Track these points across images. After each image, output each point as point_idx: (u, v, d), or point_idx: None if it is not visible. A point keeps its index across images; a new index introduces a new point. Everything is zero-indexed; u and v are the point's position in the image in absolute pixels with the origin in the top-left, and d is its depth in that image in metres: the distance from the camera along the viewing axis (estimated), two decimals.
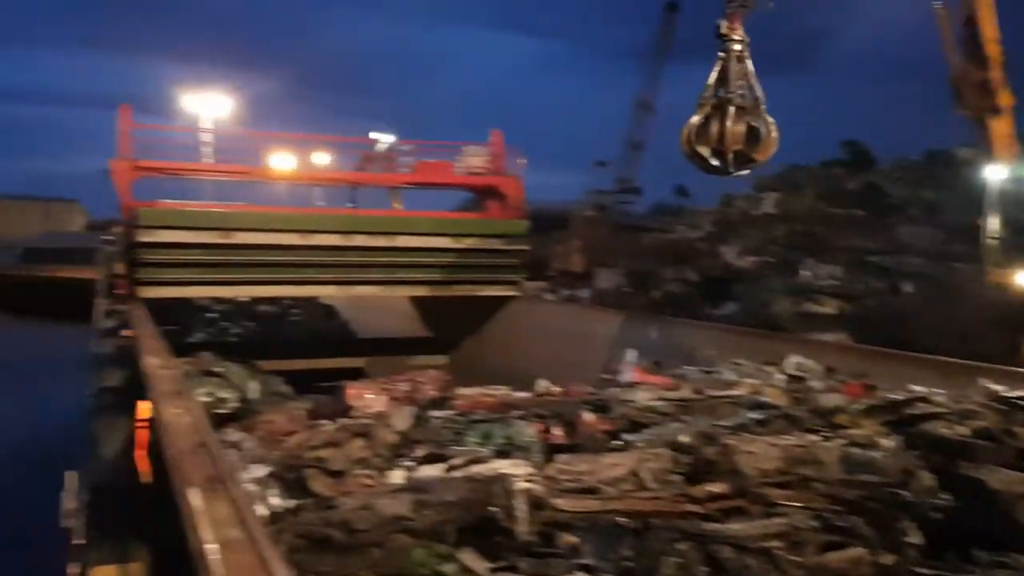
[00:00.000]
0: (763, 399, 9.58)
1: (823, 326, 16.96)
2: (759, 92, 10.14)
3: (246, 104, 33.09)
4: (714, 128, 10.10)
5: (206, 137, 25.22)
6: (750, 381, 10.69)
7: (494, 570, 5.35)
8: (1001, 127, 21.01)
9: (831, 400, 9.34)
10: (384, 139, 26.15)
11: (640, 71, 43.84)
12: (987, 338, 15.44)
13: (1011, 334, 15.85)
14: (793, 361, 11.57)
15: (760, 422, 8.46)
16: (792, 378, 10.99)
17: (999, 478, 6.62)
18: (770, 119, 10.15)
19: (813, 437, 7.68)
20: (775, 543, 5.79)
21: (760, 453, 7.03)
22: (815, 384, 10.58)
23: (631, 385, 10.97)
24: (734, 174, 10.50)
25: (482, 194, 25.45)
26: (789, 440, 7.45)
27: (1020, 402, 8.38)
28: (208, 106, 33.04)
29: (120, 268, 21.73)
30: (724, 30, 10.04)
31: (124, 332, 15.21)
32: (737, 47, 10.07)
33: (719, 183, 29.30)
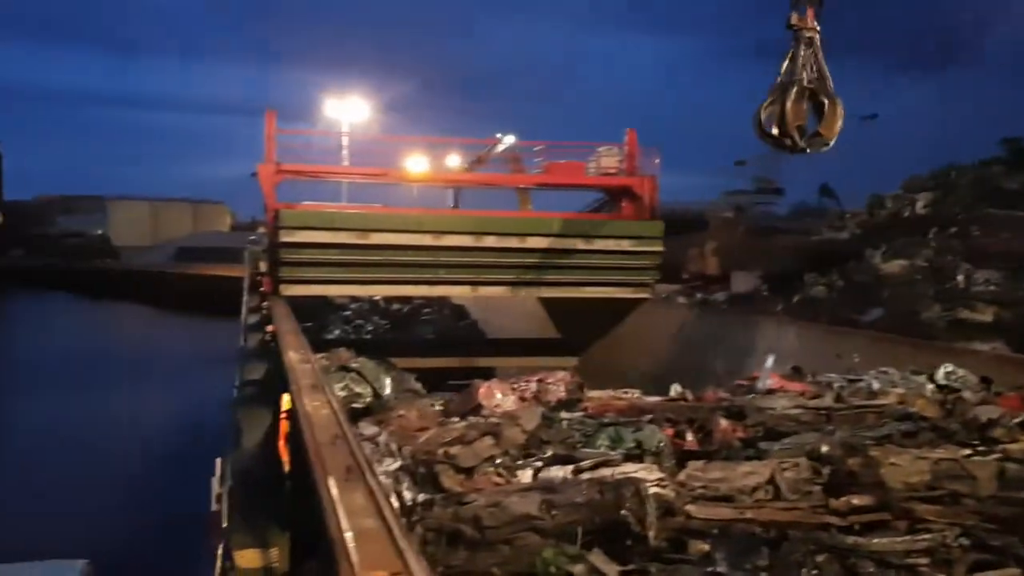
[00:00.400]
0: (911, 410, 9.12)
1: (978, 334, 15.95)
2: (826, 73, 10.92)
3: (380, 108, 34.09)
4: (777, 108, 10.87)
5: (345, 141, 26.14)
6: (897, 391, 10.19)
7: (623, 573, 5.27)
8: None
9: (986, 412, 8.77)
10: (506, 140, 26.34)
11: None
12: None
13: None
14: (944, 371, 10.94)
15: (907, 434, 8.04)
16: (943, 388, 10.40)
17: None
18: (837, 98, 10.94)
19: (965, 451, 7.25)
20: (921, 560, 5.49)
21: (907, 466, 6.68)
22: (968, 395, 9.97)
23: (769, 392, 10.61)
24: (808, 151, 11.21)
25: (615, 195, 25.25)
26: (939, 453, 7.05)
27: None
28: (347, 111, 34.30)
29: (264, 267, 22.79)
30: (795, 22, 10.92)
31: (267, 328, 15.89)
32: (807, 34, 10.93)
33: (867, 184, 28.24)
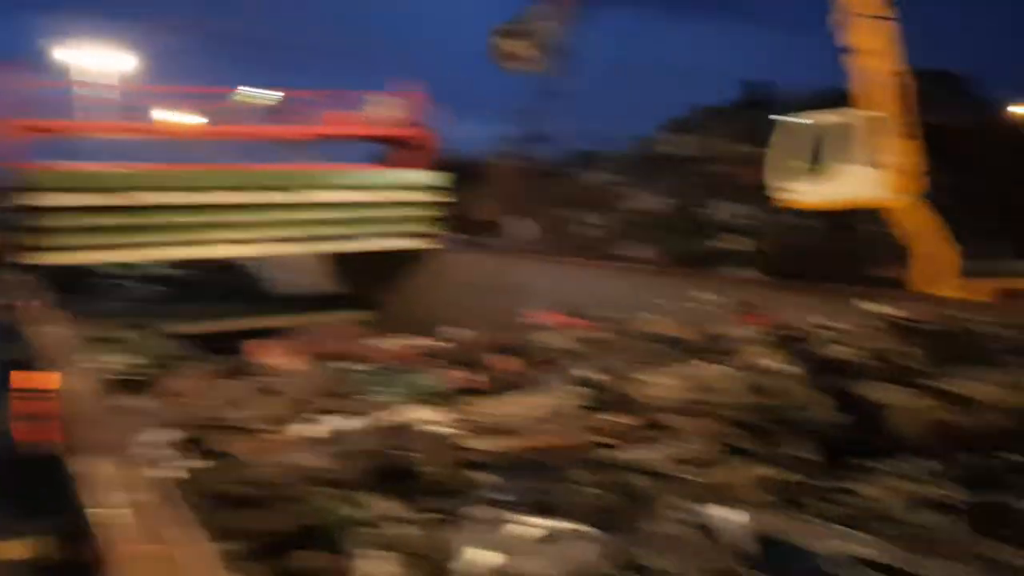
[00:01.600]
0: (673, 334, 9.80)
1: (735, 262, 17.36)
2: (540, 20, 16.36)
3: (156, 60, 31.25)
4: None
5: (84, 92, 23.80)
6: (661, 319, 10.91)
7: (408, 511, 5.37)
8: None
9: (734, 331, 9.59)
10: (246, 92, 25.03)
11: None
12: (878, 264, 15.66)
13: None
14: (702, 296, 11.87)
15: (664, 355, 8.67)
16: (698, 312, 11.26)
17: (886, 394, 6.95)
18: (533, 33, 16.50)
19: (717, 367, 7.89)
20: (683, 467, 5.95)
21: (662, 383, 7.23)
22: (719, 317, 10.86)
23: (547, 329, 11.06)
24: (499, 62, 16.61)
25: (394, 145, 24.89)
26: (692, 370, 7.66)
27: (904, 323, 8.87)
28: (102, 62, 31.37)
29: (7, 235, 20.63)
30: None
31: (15, 303, 14.55)
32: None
33: (632, 128, 29.97)
